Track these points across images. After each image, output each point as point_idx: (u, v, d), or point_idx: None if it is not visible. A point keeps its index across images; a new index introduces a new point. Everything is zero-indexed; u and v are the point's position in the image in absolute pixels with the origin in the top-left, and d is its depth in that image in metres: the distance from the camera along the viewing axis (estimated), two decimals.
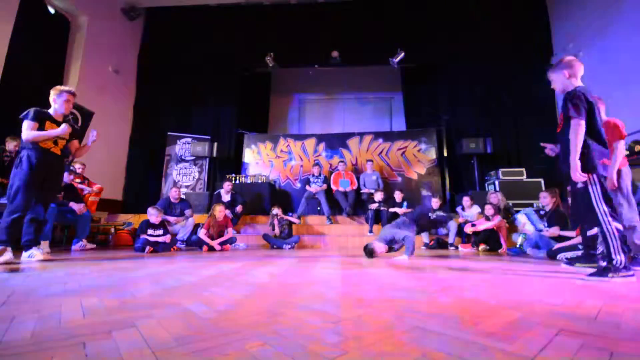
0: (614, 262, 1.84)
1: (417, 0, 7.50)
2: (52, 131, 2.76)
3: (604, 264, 1.88)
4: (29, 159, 2.69)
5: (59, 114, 2.90)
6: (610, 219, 1.86)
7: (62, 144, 2.91)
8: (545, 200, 3.84)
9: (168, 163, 7.37)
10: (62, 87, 2.93)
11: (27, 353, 0.74)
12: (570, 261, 2.59)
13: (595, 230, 1.94)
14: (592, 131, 1.92)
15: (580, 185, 1.92)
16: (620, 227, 1.89)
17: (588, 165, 1.90)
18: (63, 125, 2.79)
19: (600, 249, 1.93)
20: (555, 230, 3.52)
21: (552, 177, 5.87)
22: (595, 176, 1.90)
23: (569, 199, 3.34)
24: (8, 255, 2.55)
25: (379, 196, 5.37)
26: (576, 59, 2.08)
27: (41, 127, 2.76)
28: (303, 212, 5.93)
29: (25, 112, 2.74)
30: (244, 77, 8.10)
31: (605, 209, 1.87)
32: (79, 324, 0.96)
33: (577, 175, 1.88)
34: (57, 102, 2.88)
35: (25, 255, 2.77)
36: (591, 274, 1.92)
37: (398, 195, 5.54)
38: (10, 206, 2.64)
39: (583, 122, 1.89)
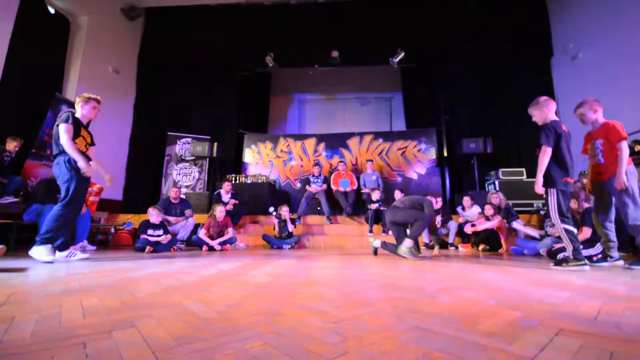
0: (566, 254, 2.43)
1: (417, 0, 7.50)
2: (80, 161, 2.72)
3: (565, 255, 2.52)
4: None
5: (85, 119, 2.98)
6: (558, 221, 2.39)
7: (89, 150, 2.99)
8: None
9: (168, 163, 7.37)
10: (89, 95, 2.99)
11: (27, 353, 0.74)
12: (559, 262, 2.62)
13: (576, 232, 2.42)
14: (557, 157, 2.43)
15: (544, 195, 2.48)
16: (570, 228, 2.38)
17: (549, 181, 2.42)
18: (86, 169, 2.76)
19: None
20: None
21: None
22: (554, 190, 2.40)
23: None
24: (83, 254, 2.81)
25: (376, 195, 5.37)
26: (550, 98, 2.60)
27: (77, 133, 2.81)
28: (303, 212, 5.93)
29: (65, 117, 2.77)
30: (244, 77, 8.11)
31: (557, 215, 2.40)
32: (79, 324, 0.96)
33: (539, 188, 2.44)
34: (85, 109, 2.95)
35: (62, 254, 2.83)
36: (554, 264, 2.49)
37: (399, 195, 5.53)
38: (63, 208, 2.68)
39: (549, 149, 2.41)
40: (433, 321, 1.01)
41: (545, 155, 2.41)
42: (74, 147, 2.71)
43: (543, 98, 2.60)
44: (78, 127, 2.83)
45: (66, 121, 2.73)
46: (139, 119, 7.48)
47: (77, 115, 2.94)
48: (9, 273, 2.03)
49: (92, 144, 3.08)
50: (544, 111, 2.55)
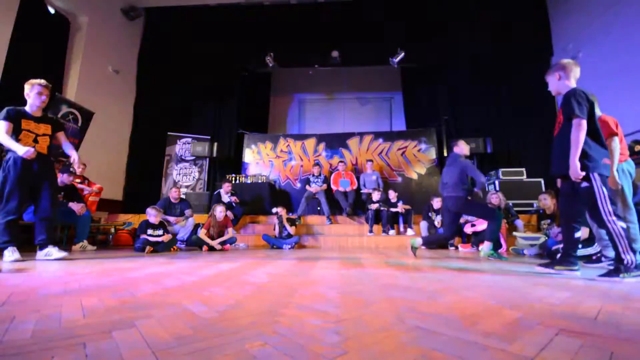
0: (625, 261, 1.83)
1: (417, 0, 7.50)
2: (17, 148, 2.63)
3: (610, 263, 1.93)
4: (15, 161, 2.67)
5: (34, 109, 2.85)
6: (614, 218, 1.85)
7: (44, 141, 2.84)
8: (547, 201, 3.90)
9: (168, 163, 7.37)
10: (34, 80, 2.85)
11: (27, 353, 0.74)
12: (549, 265, 2.19)
13: (580, 233, 1.99)
14: (592, 130, 1.93)
15: (584, 184, 1.92)
16: (625, 225, 1.87)
17: (590, 164, 1.89)
18: (27, 149, 2.64)
19: (598, 248, 1.92)
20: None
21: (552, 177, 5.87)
22: (596, 175, 1.89)
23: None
24: (16, 254, 2.62)
25: (376, 195, 5.37)
26: (573, 61, 2.11)
27: (17, 126, 2.70)
28: (303, 212, 5.94)
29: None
30: (244, 77, 8.11)
31: (610, 208, 1.85)
32: (79, 324, 0.96)
33: (576, 172, 1.89)
34: (30, 97, 2.82)
35: (41, 253, 2.82)
36: (602, 275, 1.93)
37: (392, 194, 5.56)
38: (3, 209, 2.67)
39: (585, 122, 1.89)
40: (433, 321, 1.01)
41: (581, 130, 1.88)
42: (7, 143, 2.63)
43: (563, 61, 2.14)
44: (17, 121, 2.70)
45: (1, 118, 2.64)
46: (139, 119, 7.47)
47: (27, 107, 2.81)
48: (9, 273, 2.03)
49: (57, 130, 2.96)
50: (556, 76, 2.11)
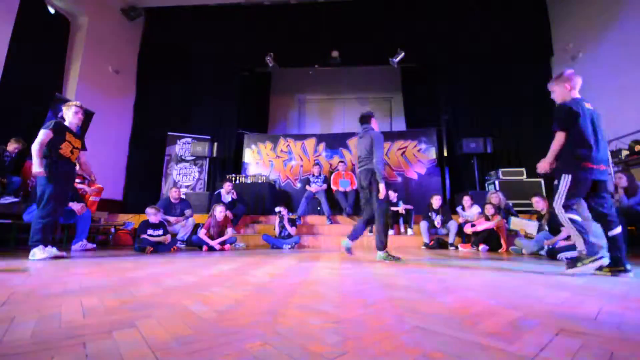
0: (578, 249, 2.07)
1: (417, 0, 7.50)
2: (36, 165, 2.81)
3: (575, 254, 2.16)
4: (65, 169, 2.98)
5: (73, 126, 3.21)
6: (563, 210, 2.10)
7: (76, 153, 3.16)
8: (539, 204, 3.96)
9: (168, 163, 7.37)
10: (71, 102, 3.24)
11: (27, 353, 0.74)
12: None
13: (617, 230, 2.05)
14: (575, 139, 2.12)
15: (555, 182, 2.18)
16: (575, 217, 2.09)
17: (563, 166, 2.15)
18: (40, 170, 2.85)
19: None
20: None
21: (552, 177, 5.87)
22: (567, 176, 2.11)
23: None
24: (54, 250, 2.85)
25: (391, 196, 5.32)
26: (574, 72, 2.29)
27: (61, 138, 2.98)
28: (303, 212, 5.94)
29: (48, 123, 2.96)
30: (244, 77, 8.10)
31: (562, 202, 2.11)
32: (79, 324, 0.96)
33: (540, 169, 2.26)
34: (69, 115, 3.16)
35: (30, 253, 2.90)
36: (567, 262, 2.13)
37: (392, 195, 5.54)
38: (42, 211, 2.85)
39: (562, 135, 2.15)
40: (433, 321, 1.01)
41: (556, 141, 2.15)
42: (38, 152, 2.83)
43: (568, 72, 2.27)
44: (63, 133, 3.00)
45: (47, 127, 2.91)
46: (139, 119, 7.47)
47: (67, 122, 3.14)
48: (9, 273, 2.03)
49: (83, 148, 3.27)
50: (566, 87, 2.24)
